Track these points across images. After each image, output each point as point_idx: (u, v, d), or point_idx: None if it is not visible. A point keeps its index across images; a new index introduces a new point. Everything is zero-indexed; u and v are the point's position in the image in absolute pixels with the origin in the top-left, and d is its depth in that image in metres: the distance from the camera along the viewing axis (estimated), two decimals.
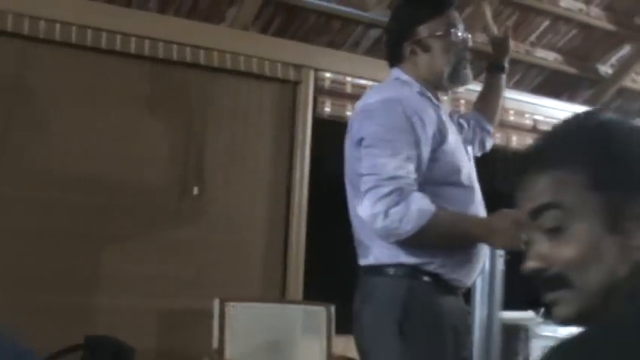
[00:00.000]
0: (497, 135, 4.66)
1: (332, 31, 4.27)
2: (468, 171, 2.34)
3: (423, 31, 2.34)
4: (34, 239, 3.36)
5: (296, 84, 4.04)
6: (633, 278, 1.03)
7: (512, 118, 4.73)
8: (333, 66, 4.16)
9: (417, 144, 2.19)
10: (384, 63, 4.31)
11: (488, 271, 3.92)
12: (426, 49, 2.34)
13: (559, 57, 5.01)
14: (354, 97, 4.15)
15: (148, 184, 3.63)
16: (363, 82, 4.19)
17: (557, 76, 5.10)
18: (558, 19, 4.79)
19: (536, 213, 1.08)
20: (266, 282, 3.86)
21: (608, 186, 1.05)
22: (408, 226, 2.10)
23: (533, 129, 4.79)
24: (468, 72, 2.37)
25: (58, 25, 3.44)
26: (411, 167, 2.16)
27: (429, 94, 2.34)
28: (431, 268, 2.22)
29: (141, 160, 3.63)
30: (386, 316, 2.19)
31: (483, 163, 4.85)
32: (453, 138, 2.31)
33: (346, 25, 4.28)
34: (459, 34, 2.34)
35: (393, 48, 2.40)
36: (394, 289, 2.21)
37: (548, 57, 4.96)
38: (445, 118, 2.34)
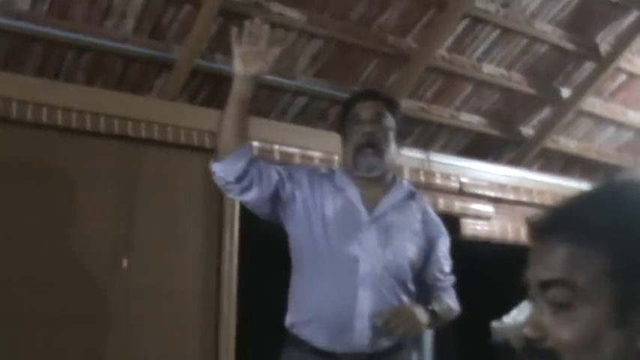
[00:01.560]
0: (424, 198, 4.69)
1: (259, 100, 4.29)
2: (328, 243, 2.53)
3: (342, 124, 2.72)
4: None
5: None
6: None
7: (438, 181, 4.78)
8: (261, 134, 4.16)
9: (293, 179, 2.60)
10: (311, 130, 4.42)
11: (416, 339, 3.95)
12: (343, 140, 2.70)
13: (483, 120, 5.15)
14: (282, 165, 4.21)
15: (78, 258, 3.58)
16: (290, 149, 4.23)
17: (482, 138, 5.23)
18: (482, 84, 4.94)
19: (547, 285, 1.02)
20: (200, 352, 3.81)
21: (627, 275, 0.97)
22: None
23: (460, 191, 4.87)
24: (369, 159, 2.58)
25: None
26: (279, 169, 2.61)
27: (338, 178, 2.65)
28: (295, 330, 2.54)
29: (69, 234, 3.58)
30: None
31: None
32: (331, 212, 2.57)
33: (273, 94, 4.34)
34: (356, 126, 2.60)
35: None
36: None
37: (472, 120, 5.09)
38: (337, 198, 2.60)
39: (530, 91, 5.13)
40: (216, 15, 3.82)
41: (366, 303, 2.47)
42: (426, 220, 2.70)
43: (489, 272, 4.45)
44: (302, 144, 4.32)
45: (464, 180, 4.90)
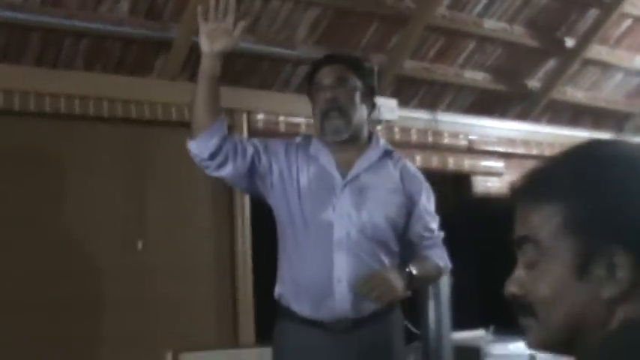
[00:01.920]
0: (434, 158, 4.75)
1: (261, 72, 4.31)
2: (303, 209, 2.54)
3: (310, 93, 2.68)
4: None
5: (229, 128, 4.01)
6: (617, 334, 1.00)
7: (446, 140, 4.79)
8: (265, 106, 4.19)
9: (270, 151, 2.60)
10: None
11: (434, 293, 3.97)
12: (312, 110, 2.68)
13: (488, 76, 5.12)
14: (288, 136, 4.20)
15: (92, 244, 3.60)
16: (296, 119, 4.23)
17: (488, 94, 5.20)
18: (484, 40, 4.89)
19: (519, 242, 1.08)
20: (218, 329, 3.83)
21: (586, 229, 1.01)
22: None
23: (469, 149, 4.86)
24: (335, 122, 2.55)
25: None
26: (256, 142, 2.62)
27: (313, 146, 2.63)
28: (284, 301, 2.56)
29: (82, 221, 3.60)
30: None
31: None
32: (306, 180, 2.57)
33: (274, 65, 4.33)
34: (320, 93, 2.59)
35: None
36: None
37: (477, 77, 5.06)
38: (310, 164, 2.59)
39: (534, 43, 5.09)
40: None
41: (342, 268, 2.46)
42: (404, 177, 2.64)
43: (503, 227, 4.43)
44: (307, 113, 4.22)
45: (472, 138, 4.90)
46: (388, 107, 4.49)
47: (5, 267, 3.36)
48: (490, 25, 4.81)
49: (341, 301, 2.45)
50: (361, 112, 2.61)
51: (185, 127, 3.79)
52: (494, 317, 4.10)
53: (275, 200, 2.59)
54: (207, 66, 2.45)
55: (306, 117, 4.26)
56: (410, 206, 2.61)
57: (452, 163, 4.78)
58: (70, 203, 3.60)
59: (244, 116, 4.09)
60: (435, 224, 2.68)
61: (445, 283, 3.98)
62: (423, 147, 4.71)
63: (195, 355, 3.39)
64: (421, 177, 2.71)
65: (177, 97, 3.83)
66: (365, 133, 2.66)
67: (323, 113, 2.56)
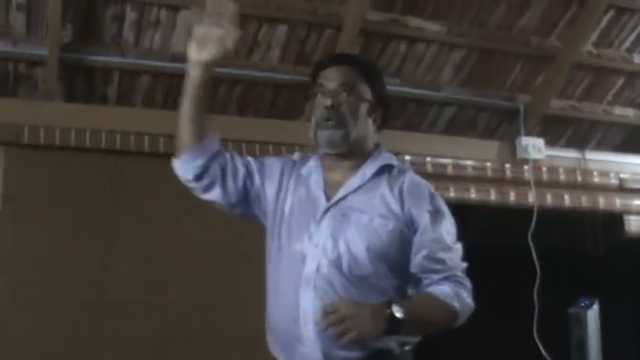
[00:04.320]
0: (583, 198, 4.66)
1: (408, 114, 4.38)
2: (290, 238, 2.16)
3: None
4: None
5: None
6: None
7: (596, 179, 4.68)
8: (412, 148, 4.25)
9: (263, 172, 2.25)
10: (461, 140, 4.43)
11: (576, 340, 3.70)
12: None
13: (638, 112, 4.96)
14: (435, 177, 4.24)
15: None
16: (442, 160, 4.29)
17: (639, 131, 5.04)
18: (634, 75, 4.76)
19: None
20: None
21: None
22: None
23: (620, 188, 4.73)
24: (329, 133, 2.15)
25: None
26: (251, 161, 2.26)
27: (308, 164, 2.27)
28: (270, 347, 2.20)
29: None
30: None
31: (571, 225, 4.84)
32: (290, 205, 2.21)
33: (421, 107, 4.39)
34: (320, 98, 2.20)
35: None
36: None
37: (627, 113, 4.92)
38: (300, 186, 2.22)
39: None
40: (358, 36, 3.90)
41: (308, 308, 2.05)
42: (405, 197, 2.14)
43: None
44: (453, 154, 4.36)
45: (623, 176, 4.76)
46: (535, 147, 4.49)
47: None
48: None
49: (310, 347, 2.04)
50: (366, 125, 2.19)
51: None
52: None
53: (267, 230, 2.25)
54: (194, 76, 2.10)
55: (452, 158, 4.32)
56: (409, 234, 2.13)
57: (602, 202, 4.66)
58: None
59: None
60: (447, 254, 2.13)
61: (593, 329, 3.78)
62: (571, 186, 4.63)
63: None
64: (427, 195, 2.17)
65: None
66: (367, 150, 2.22)
67: (317, 122, 2.18)
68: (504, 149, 4.53)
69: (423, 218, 2.12)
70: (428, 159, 4.25)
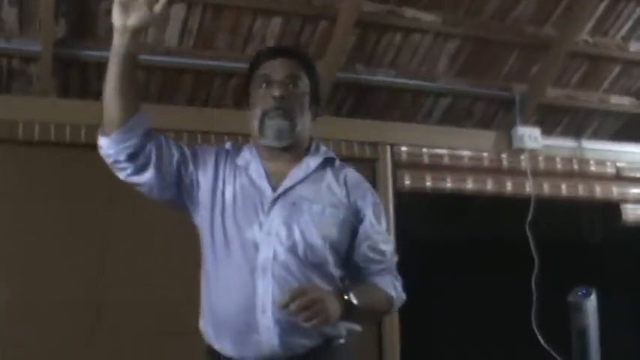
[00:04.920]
0: (580, 187, 4.65)
1: (403, 105, 4.36)
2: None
3: (249, 89, 2.26)
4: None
5: (373, 161, 4.12)
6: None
7: (593, 168, 4.68)
8: (408, 138, 4.24)
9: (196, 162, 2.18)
10: (457, 130, 4.41)
11: (577, 332, 3.72)
12: (248, 104, 2.24)
13: (635, 101, 4.95)
14: (434, 168, 4.27)
15: None
16: (439, 151, 4.28)
17: (636, 119, 5.02)
18: (630, 63, 4.75)
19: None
20: None
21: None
22: None
23: (617, 177, 4.72)
24: (278, 123, 2.14)
25: None
26: (183, 147, 2.19)
27: (243, 154, 2.23)
28: (207, 338, 2.16)
29: None
30: None
31: (568, 215, 4.84)
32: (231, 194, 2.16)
33: (416, 97, 4.37)
34: (265, 88, 2.17)
35: None
36: None
37: (623, 102, 4.91)
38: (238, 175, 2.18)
39: None
40: (353, 27, 3.88)
41: (267, 295, 2.03)
42: (350, 189, 2.21)
43: None
44: (450, 144, 4.35)
45: (620, 165, 4.76)
46: (532, 136, 4.48)
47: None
48: (636, 48, 4.67)
49: (267, 335, 2.03)
50: (307, 118, 2.22)
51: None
52: None
53: (199, 219, 2.18)
54: (119, 43, 1.97)
55: (448, 148, 4.32)
56: (356, 223, 2.18)
57: (599, 191, 4.66)
58: None
59: (388, 149, 4.15)
60: (386, 246, 2.22)
61: (592, 318, 3.77)
62: (568, 176, 4.62)
63: None
64: (369, 189, 2.28)
65: (322, 131, 3.87)
66: (306, 142, 2.25)
67: (265, 112, 2.14)
68: (501, 139, 4.51)
69: (368, 209, 2.20)
70: (424, 150, 4.24)
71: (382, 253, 2.21)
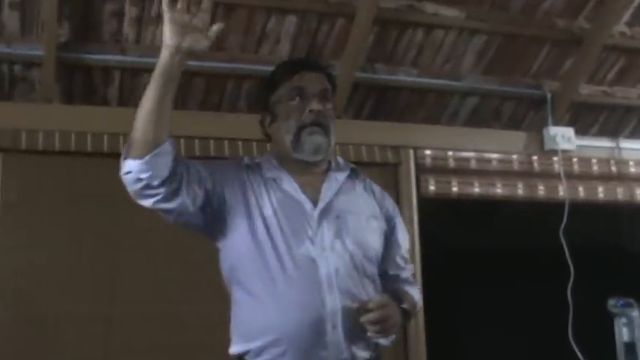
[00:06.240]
0: (619, 190, 4.53)
1: (427, 106, 4.26)
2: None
3: (272, 99, 2.25)
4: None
5: (396, 166, 4.02)
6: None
7: (632, 169, 4.55)
8: (433, 141, 4.15)
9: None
10: (485, 131, 4.29)
11: (624, 342, 3.58)
12: (274, 118, 2.24)
13: None
14: (458, 172, 4.15)
15: None
16: (465, 154, 4.19)
17: None
18: None
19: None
20: None
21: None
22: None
23: None
24: (319, 140, 2.16)
25: None
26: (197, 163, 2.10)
27: (267, 168, 2.21)
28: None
29: None
30: None
31: (606, 220, 4.69)
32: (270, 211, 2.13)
33: (441, 98, 4.27)
34: (299, 101, 2.18)
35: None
36: None
37: None
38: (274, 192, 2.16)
39: None
40: (371, 25, 3.78)
41: (336, 311, 2.03)
42: (379, 199, 2.31)
43: None
44: (477, 147, 4.26)
45: None
46: (565, 136, 4.37)
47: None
48: None
49: (335, 350, 2.03)
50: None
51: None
52: None
53: (235, 240, 2.13)
54: (171, 63, 1.90)
55: (476, 151, 4.23)
56: (387, 232, 2.28)
57: None
58: None
59: (411, 153, 4.06)
60: (408, 255, 2.37)
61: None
62: (605, 178, 4.50)
63: None
64: (390, 196, 2.40)
65: (341, 136, 3.72)
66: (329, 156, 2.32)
67: (302, 126, 2.16)
68: (531, 140, 4.38)
69: (398, 217, 2.34)
70: (450, 153, 4.14)
71: (407, 260, 2.36)
